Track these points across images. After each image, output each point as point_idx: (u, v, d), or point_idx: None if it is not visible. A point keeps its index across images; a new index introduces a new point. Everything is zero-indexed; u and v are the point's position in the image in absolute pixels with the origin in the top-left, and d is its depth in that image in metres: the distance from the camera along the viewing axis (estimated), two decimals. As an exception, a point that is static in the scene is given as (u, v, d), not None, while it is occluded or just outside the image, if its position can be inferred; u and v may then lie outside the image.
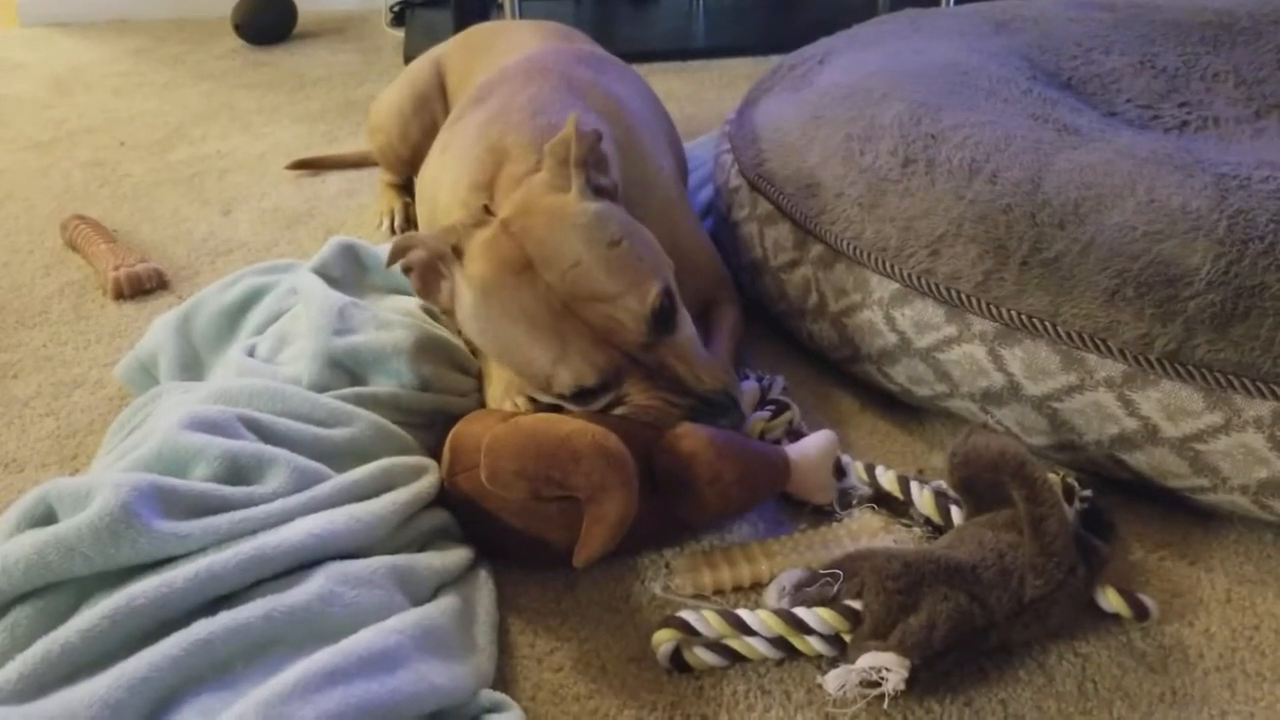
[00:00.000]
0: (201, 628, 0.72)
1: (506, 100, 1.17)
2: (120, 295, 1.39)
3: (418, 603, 0.83)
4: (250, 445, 0.87)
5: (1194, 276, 0.91)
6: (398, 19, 2.76)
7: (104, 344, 1.30)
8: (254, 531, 0.81)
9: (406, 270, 1.01)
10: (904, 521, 0.95)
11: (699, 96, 2.15)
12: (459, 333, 1.13)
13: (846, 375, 1.18)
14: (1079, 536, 0.85)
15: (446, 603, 0.83)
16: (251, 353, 1.08)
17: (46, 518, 0.80)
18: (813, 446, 0.96)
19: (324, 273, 1.14)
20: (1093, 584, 0.85)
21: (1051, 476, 0.90)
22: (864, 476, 0.97)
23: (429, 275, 1.00)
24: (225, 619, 0.73)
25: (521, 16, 2.32)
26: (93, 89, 2.30)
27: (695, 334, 0.98)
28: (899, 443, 1.09)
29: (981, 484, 0.88)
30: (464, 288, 0.97)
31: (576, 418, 0.90)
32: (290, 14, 2.65)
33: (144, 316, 1.34)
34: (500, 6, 2.44)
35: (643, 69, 1.68)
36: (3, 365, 1.26)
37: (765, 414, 1.04)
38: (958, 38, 1.38)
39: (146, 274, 1.42)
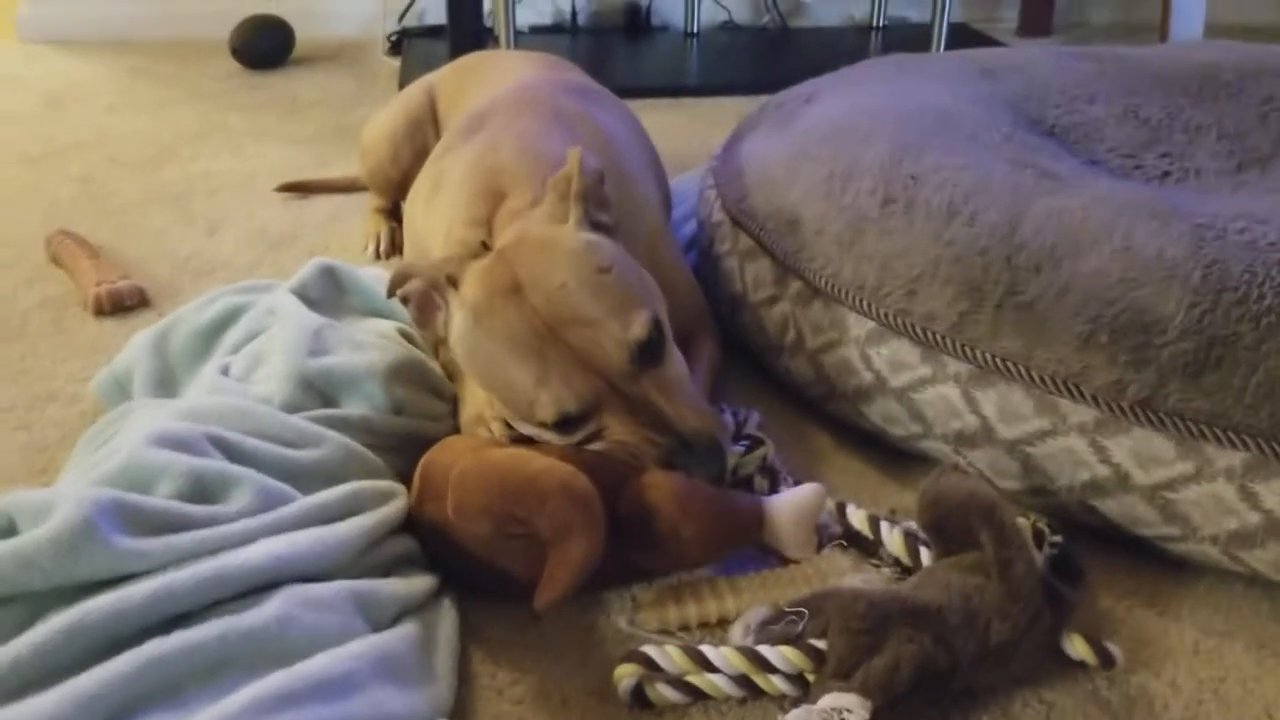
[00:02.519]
0: (155, 646, 0.71)
1: (497, 134, 1.18)
2: (100, 311, 1.39)
3: (378, 629, 0.82)
4: (215, 464, 0.86)
5: (1168, 324, 0.91)
6: (395, 47, 2.77)
7: (81, 359, 1.29)
8: (215, 551, 0.80)
9: (404, 300, 1.02)
10: (873, 561, 0.94)
11: (690, 132, 2.17)
12: (436, 356, 1.13)
13: (822, 413, 1.17)
14: (1047, 582, 0.85)
15: (407, 630, 0.82)
16: (226, 371, 1.07)
17: (6, 530, 0.79)
18: (792, 504, 0.93)
19: (302, 293, 1.14)
20: (1059, 630, 0.85)
21: (1021, 521, 0.90)
22: (834, 515, 0.97)
23: (426, 305, 1.01)
24: (179, 639, 0.72)
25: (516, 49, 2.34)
26: (87, 105, 2.31)
27: (686, 373, 0.97)
28: (873, 481, 1.09)
29: (950, 525, 0.87)
30: (456, 313, 0.97)
31: (548, 454, 0.89)
32: (288, 39, 2.67)
33: (123, 333, 1.33)
34: (496, 39, 2.46)
35: (636, 104, 1.69)
36: (-23, 377, 1.26)
37: (739, 449, 1.03)
38: (943, 82, 1.39)
39: (128, 291, 1.41)
